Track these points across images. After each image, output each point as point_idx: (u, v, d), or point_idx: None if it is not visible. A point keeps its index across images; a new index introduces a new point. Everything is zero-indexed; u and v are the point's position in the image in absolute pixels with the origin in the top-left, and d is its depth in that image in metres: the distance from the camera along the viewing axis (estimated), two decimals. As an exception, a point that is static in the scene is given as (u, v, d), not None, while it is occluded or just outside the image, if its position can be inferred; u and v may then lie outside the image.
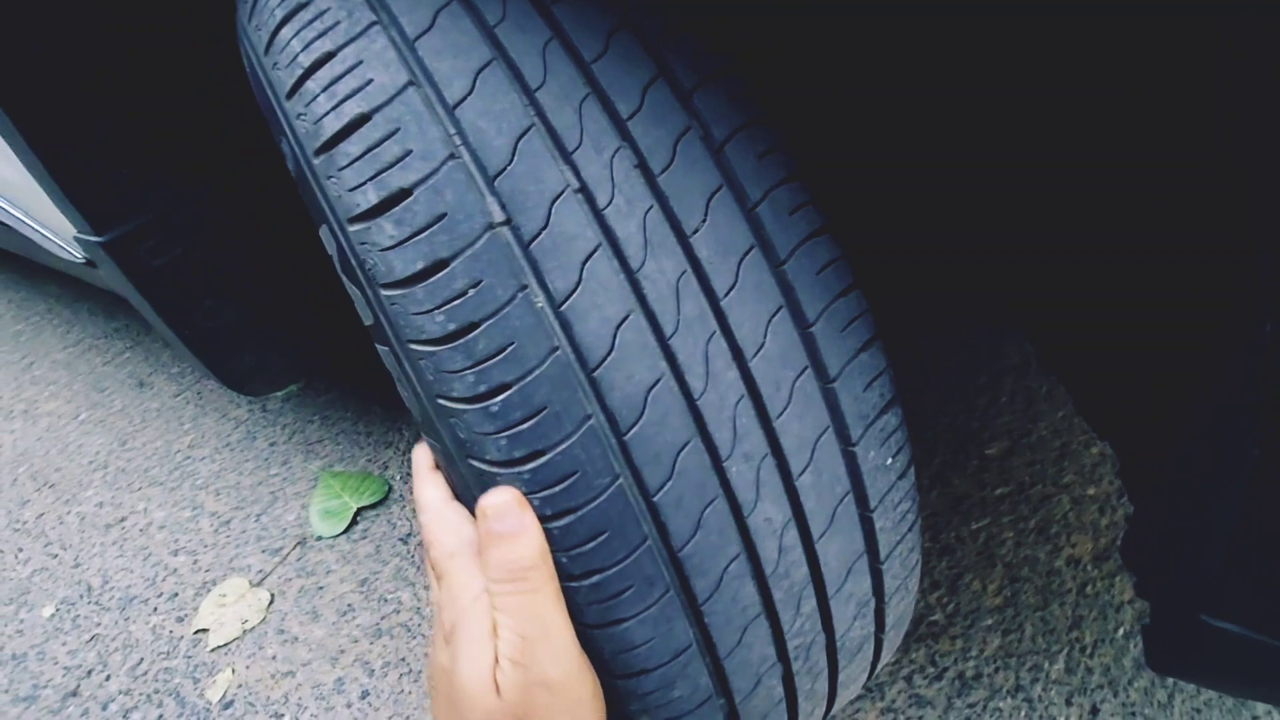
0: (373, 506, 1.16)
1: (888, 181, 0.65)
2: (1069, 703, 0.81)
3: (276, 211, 0.79)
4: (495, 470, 0.35)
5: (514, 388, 0.33)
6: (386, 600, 1.01)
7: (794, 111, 0.54)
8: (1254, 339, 0.33)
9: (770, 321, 0.37)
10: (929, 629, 0.91)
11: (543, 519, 0.35)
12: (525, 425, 0.34)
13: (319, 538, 1.12)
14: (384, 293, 0.35)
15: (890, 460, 0.41)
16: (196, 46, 0.62)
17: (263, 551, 1.11)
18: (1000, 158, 0.54)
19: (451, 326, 0.33)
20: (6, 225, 1.04)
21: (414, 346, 0.35)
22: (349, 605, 1.01)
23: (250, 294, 0.89)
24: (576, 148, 0.35)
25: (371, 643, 0.95)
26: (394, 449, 1.26)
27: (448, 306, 0.33)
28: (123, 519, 1.23)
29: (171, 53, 0.64)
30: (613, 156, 0.35)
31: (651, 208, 0.35)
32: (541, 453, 0.34)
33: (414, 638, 0.95)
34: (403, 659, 0.93)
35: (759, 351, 0.36)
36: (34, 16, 0.57)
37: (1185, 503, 0.48)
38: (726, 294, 0.36)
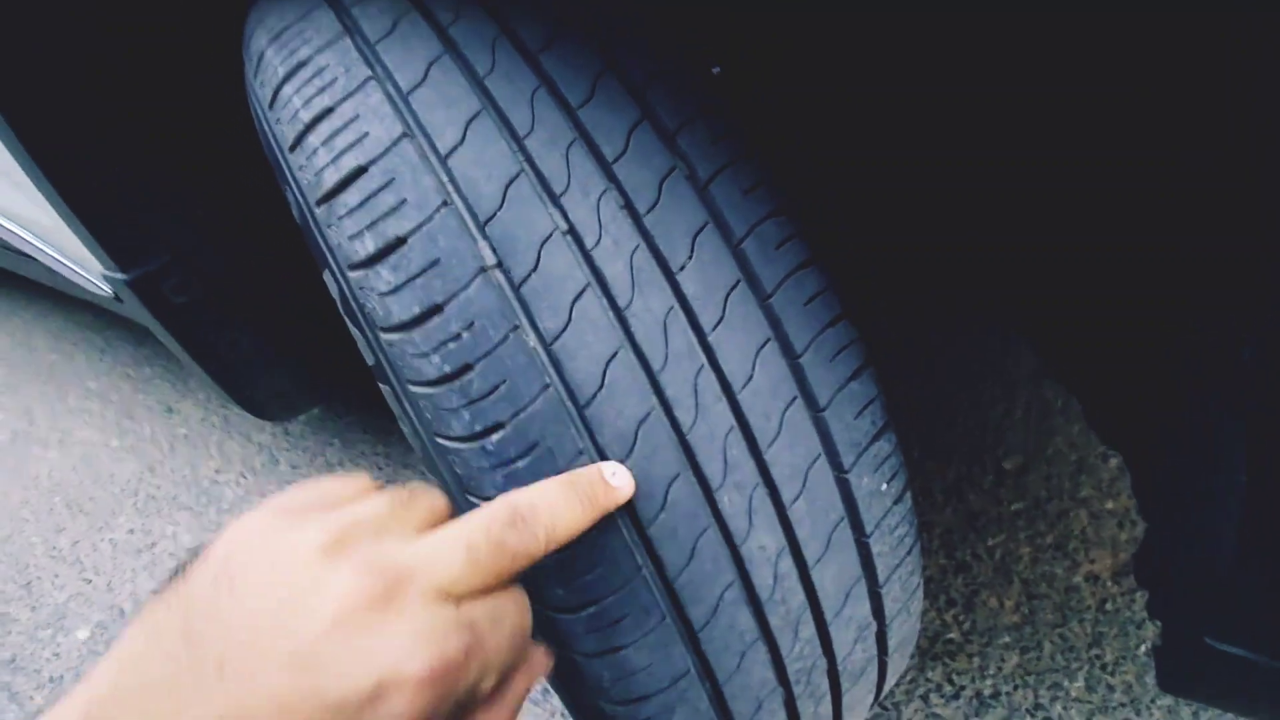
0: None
1: (898, 179, 0.65)
2: (1090, 722, 0.80)
3: (292, 247, 0.81)
4: (492, 505, 0.36)
5: (508, 425, 0.35)
6: (405, 622, 1.02)
7: (804, 109, 0.55)
8: (1236, 360, 0.33)
9: (758, 353, 0.37)
10: (945, 647, 0.90)
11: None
12: (520, 462, 0.35)
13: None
14: (383, 336, 0.36)
15: (885, 485, 0.42)
16: (214, 99, 0.65)
17: (285, 575, 1.13)
18: (1005, 155, 0.55)
19: (447, 368, 0.35)
20: (41, 263, 1.09)
21: (413, 387, 0.36)
22: (368, 627, 1.02)
23: (269, 325, 0.92)
24: (564, 191, 0.36)
25: (390, 665, 0.97)
26: (412, 469, 1.28)
27: (443, 349, 0.35)
28: (153, 544, 1.26)
29: (192, 105, 0.67)
30: (600, 198, 0.36)
31: (638, 247, 0.36)
32: (536, 488, 0.35)
33: (432, 659, 0.96)
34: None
35: (748, 383, 0.37)
36: (68, 79, 0.60)
37: (1191, 522, 0.48)
38: (714, 328, 0.37)
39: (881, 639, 0.46)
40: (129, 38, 0.61)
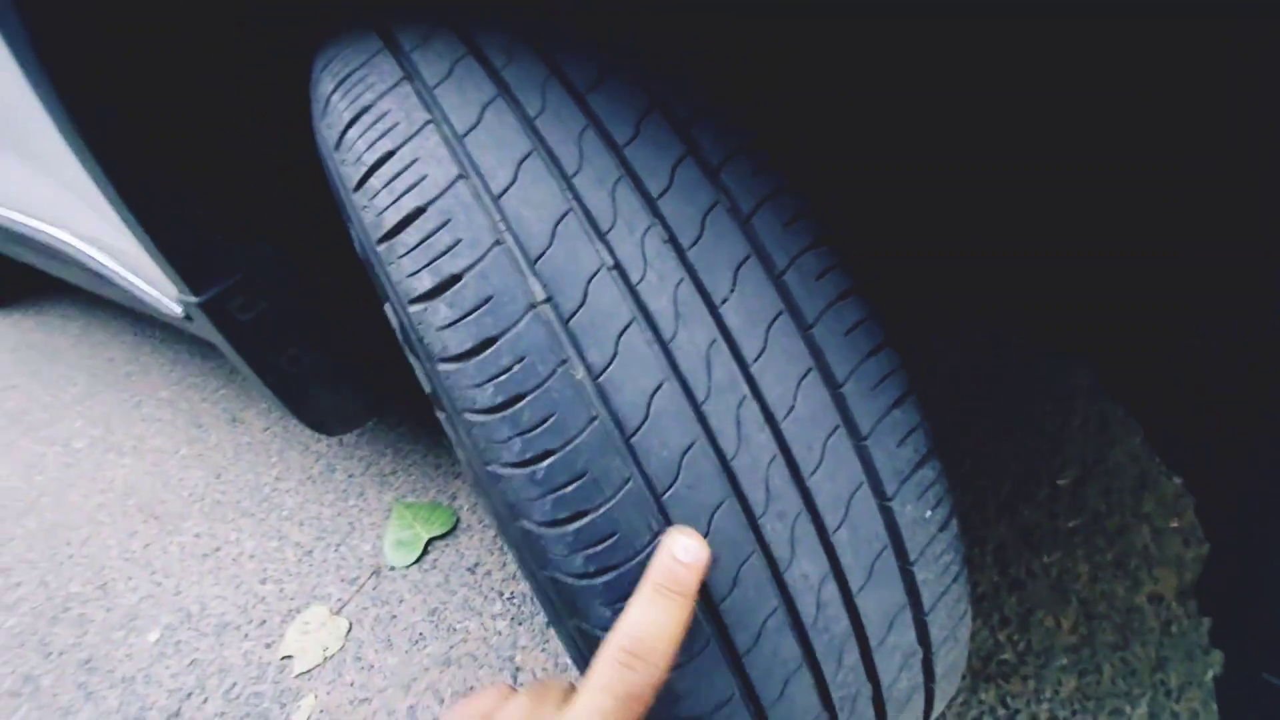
0: (442, 537, 1.21)
1: (910, 185, 0.64)
2: (1153, 751, 0.77)
3: (351, 268, 0.85)
4: (541, 530, 0.37)
5: (557, 454, 0.36)
6: (454, 630, 1.05)
7: (822, 115, 0.55)
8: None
9: (800, 384, 0.38)
10: (999, 668, 0.88)
11: (586, 575, 0.37)
12: (568, 489, 0.36)
13: (392, 568, 1.18)
14: (440, 367, 0.38)
15: (929, 513, 0.42)
16: (283, 133, 0.69)
17: (341, 580, 1.18)
18: (1016, 160, 0.54)
19: (499, 399, 0.36)
20: (118, 285, 1.16)
21: (467, 416, 0.38)
22: (420, 634, 1.06)
23: (329, 342, 0.96)
24: (611, 228, 0.37)
25: (441, 671, 1.00)
26: (462, 480, 1.31)
27: (495, 380, 0.36)
28: (217, 549, 1.32)
29: (264, 138, 0.71)
30: (644, 234, 0.37)
31: (682, 280, 0.37)
32: (583, 514, 0.36)
33: (481, 667, 0.99)
34: (470, 687, 0.97)
35: (789, 413, 0.38)
36: (154, 122, 0.64)
37: (1254, 550, 0.46)
38: (756, 359, 0.37)
39: (928, 666, 0.46)
40: (207, 79, 0.65)
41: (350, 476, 1.40)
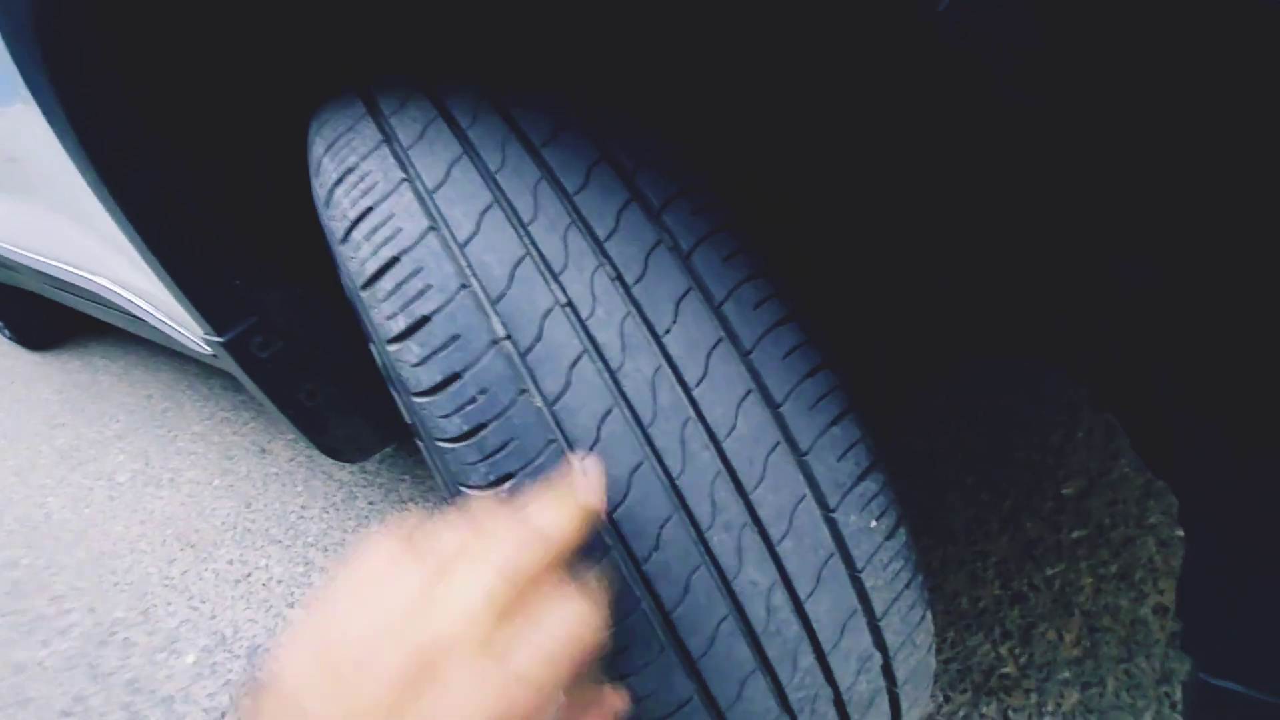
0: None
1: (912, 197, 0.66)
2: (1155, 763, 0.77)
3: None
4: (507, 545, 0.41)
5: (518, 476, 0.40)
6: (468, 649, 1.08)
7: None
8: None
9: (740, 404, 0.41)
10: (1000, 682, 0.89)
11: (547, 586, 0.41)
12: (528, 507, 0.40)
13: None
14: (414, 400, 0.42)
15: (874, 523, 0.44)
16: (289, 190, 0.75)
17: (362, 604, 1.23)
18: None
19: (466, 427, 0.40)
20: (151, 324, 1.24)
21: (439, 444, 0.42)
22: (436, 654, 1.09)
23: (345, 375, 1.02)
24: (563, 269, 0.41)
25: (455, 690, 1.03)
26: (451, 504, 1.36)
27: (462, 411, 0.40)
28: (248, 574, 1.38)
29: (271, 195, 0.77)
30: (593, 274, 0.41)
31: (628, 314, 0.41)
32: (543, 530, 0.40)
33: (493, 685, 1.02)
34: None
35: (731, 432, 0.41)
36: (178, 182, 0.71)
37: (1229, 556, 0.47)
38: (698, 384, 0.41)
39: (888, 670, 0.48)
40: (221, 141, 0.72)
41: (371, 503, 1.46)
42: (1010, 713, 0.85)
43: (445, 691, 0.27)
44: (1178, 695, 0.82)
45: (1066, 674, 0.88)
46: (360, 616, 0.30)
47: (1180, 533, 1.00)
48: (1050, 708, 0.85)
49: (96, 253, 1.08)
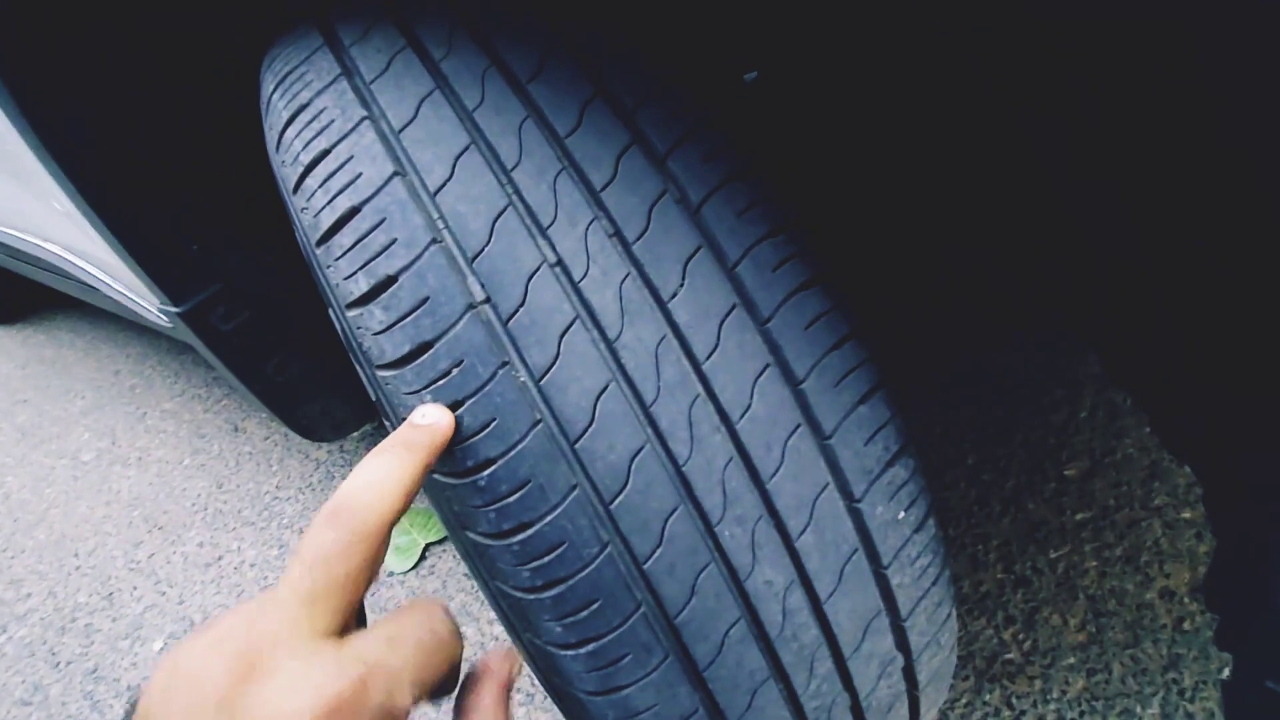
0: (439, 542, 1.20)
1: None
2: (1165, 753, 0.74)
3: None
4: (487, 542, 0.36)
5: (499, 462, 0.34)
6: (450, 636, 1.04)
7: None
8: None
9: (757, 381, 0.36)
10: (1004, 668, 0.86)
11: (533, 589, 0.35)
12: (512, 498, 0.34)
13: (390, 573, 1.17)
14: (379, 373, 0.36)
15: (903, 514, 0.39)
16: (245, 142, 0.68)
17: (339, 588, 1.17)
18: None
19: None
20: (110, 298, 1.16)
21: (408, 424, 0.36)
22: (416, 641, 1.05)
23: (315, 348, 0.95)
24: (552, 223, 0.36)
25: (437, 679, 0.98)
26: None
27: (434, 386, 0.35)
28: (220, 558, 1.32)
29: (225, 147, 0.70)
30: (587, 228, 0.36)
31: (628, 276, 0.35)
32: (529, 525, 0.34)
33: (476, 674, 0.98)
34: (466, 695, 0.96)
35: (746, 413, 0.36)
36: (122, 137, 0.64)
37: (1263, 551, 0.43)
38: (708, 357, 0.35)
39: (910, 673, 0.44)
40: (168, 83, 0.64)
41: (349, 483, 1.40)
42: (1014, 699, 0.82)
43: (275, 679, 0.27)
44: (1186, 682, 0.79)
45: (1071, 660, 0.85)
46: (202, 636, 0.29)
47: (1187, 514, 0.97)
48: (1055, 694, 0.82)
49: (42, 216, 0.99)
